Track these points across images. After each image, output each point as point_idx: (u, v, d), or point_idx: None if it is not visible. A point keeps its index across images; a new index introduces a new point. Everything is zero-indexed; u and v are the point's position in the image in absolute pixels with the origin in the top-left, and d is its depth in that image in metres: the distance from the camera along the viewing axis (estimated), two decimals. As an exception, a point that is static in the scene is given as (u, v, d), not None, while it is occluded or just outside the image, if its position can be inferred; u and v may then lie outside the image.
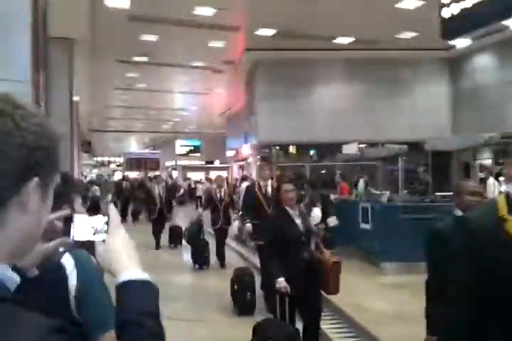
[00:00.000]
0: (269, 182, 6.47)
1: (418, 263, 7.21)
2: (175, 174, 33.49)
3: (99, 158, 42.90)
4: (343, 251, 8.41)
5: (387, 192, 9.75)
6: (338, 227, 8.32)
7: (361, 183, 12.13)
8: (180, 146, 34.29)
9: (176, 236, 10.56)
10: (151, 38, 14.74)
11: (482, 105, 15.85)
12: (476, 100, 16.28)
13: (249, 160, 21.68)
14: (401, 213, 7.54)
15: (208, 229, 9.33)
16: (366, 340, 4.22)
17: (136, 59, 17.14)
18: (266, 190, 6.37)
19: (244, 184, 13.31)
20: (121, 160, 39.40)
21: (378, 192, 9.66)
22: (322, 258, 3.85)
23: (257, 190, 6.26)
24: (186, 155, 34.28)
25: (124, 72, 19.00)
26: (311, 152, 18.51)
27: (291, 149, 18.61)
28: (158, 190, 10.72)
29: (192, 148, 34.10)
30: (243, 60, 17.39)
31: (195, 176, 31.18)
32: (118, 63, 17.44)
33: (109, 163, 42.63)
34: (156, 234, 10.68)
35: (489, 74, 16.01)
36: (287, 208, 3.96)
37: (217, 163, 33.88)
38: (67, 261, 1.35)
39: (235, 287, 5.74)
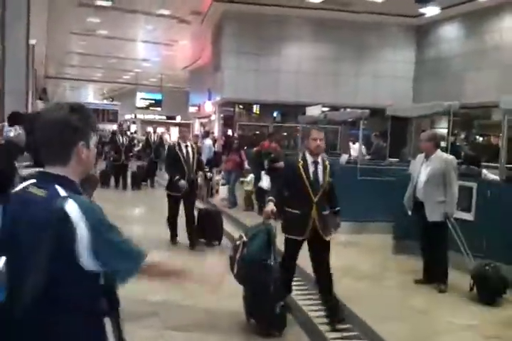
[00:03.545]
0: (188, 143, 6.78)
1: (369, 223, 7.68)
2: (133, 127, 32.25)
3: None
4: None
5: (346, 155, 10.23)
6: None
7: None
8: (141, 99, 33.28)
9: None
10: (116, -19, 13.98)
11: (444, 75, 16.18)
12: (438, 69, 16.59)
13: (212, 118, 21.46)
14: (359, 175, 7.82)
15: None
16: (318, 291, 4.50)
17: (99, 3, 16.24)
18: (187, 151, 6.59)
19: (207, 140, 13.47)
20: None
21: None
22: None
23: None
24: (147, 108, 33.40)
25: (84, 17, 18.01)
26: (275, 113, 18.48)
27: (255, 109, 18.51)
28: (122, 140, 12.47)
29: (153, 101, 33.19)
30: (211, 11, 16.82)
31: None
32: (78, 7, 16.47)
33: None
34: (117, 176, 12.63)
35: (454, 45, 16.25)
36: None
37: (178, 119, 33.33)
38: (72, 209, 1.26)
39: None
